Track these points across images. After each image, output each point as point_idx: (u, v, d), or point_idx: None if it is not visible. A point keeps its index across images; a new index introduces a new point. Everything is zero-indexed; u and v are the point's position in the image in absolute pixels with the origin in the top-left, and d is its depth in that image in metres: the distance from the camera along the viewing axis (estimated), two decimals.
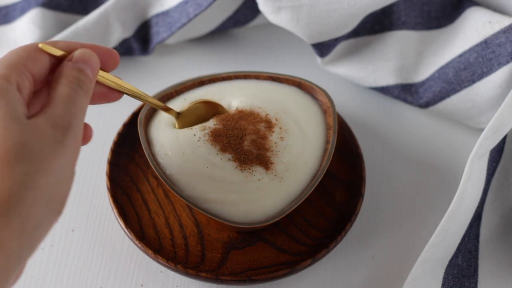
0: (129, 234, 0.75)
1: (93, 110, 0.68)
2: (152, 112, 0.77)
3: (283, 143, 0.75)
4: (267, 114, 0.77)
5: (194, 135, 0.75)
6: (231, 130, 0.75)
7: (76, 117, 0.52)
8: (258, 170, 0.73)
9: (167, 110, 0.74)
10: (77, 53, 0.57)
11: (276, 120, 0.77)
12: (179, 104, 0.78)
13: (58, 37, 0.87)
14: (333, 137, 0.76)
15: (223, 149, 0.74)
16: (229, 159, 0.73)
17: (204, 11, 0.88)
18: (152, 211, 0.79)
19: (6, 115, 0.49)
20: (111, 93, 0.62)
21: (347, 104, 0.89)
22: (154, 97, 0.77)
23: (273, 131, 0.76)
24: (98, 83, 0.61)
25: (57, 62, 0.57)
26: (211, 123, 0.76)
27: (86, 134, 0.60)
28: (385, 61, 0.87)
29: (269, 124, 0.76)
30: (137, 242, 0.75)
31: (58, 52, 0.57)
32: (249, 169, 0.73)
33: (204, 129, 0.75)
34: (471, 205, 0.74)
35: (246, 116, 0.77)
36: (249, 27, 0.95)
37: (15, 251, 0.47)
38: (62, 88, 0.53)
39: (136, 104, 0.86)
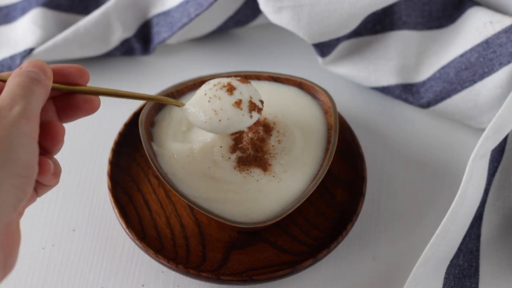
0: (130, 234, 0.75)
1: None
2: (153, 113, 0.77)
3: (281, 145, 0.75)
4: (265, 118, 0.77)
5: (205, 94, 0.72)
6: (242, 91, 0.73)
7: (24, 97, 0.56)
8: (256, 172, 0.73)
9: (170, 101, 0.72)
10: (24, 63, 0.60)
11: (274, 123, 0.77)
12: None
13: (59, 37, 0.87)
14: (334, 137, 0.76)
15: (237, 105, 0.71)
16: (229, 158, 0.73)
17: (205, 11, 0.88)
18: (153, 211, 0.79)
19: None
20: (85, 104, 0.64)
21: (348, 104, 0.89)
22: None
23: (271, 135, 0.76)
24: (72, 93, 0.63)
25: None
26: (224, 79, 0.73)
27: (57, 131, 0.61)
28: (386, 61, 0.87)
29: (267, 128, 0.76)
30: (138, 242, 0.75)
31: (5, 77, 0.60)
32: (247, 169, 0.73)
33: (215, 86, 0.72)
34: (472, 205, 0.74)
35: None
36: (250, 27, 0.95)
37: None
38: (11, 80, 0.57)
39: (137, 104, 0.86)
